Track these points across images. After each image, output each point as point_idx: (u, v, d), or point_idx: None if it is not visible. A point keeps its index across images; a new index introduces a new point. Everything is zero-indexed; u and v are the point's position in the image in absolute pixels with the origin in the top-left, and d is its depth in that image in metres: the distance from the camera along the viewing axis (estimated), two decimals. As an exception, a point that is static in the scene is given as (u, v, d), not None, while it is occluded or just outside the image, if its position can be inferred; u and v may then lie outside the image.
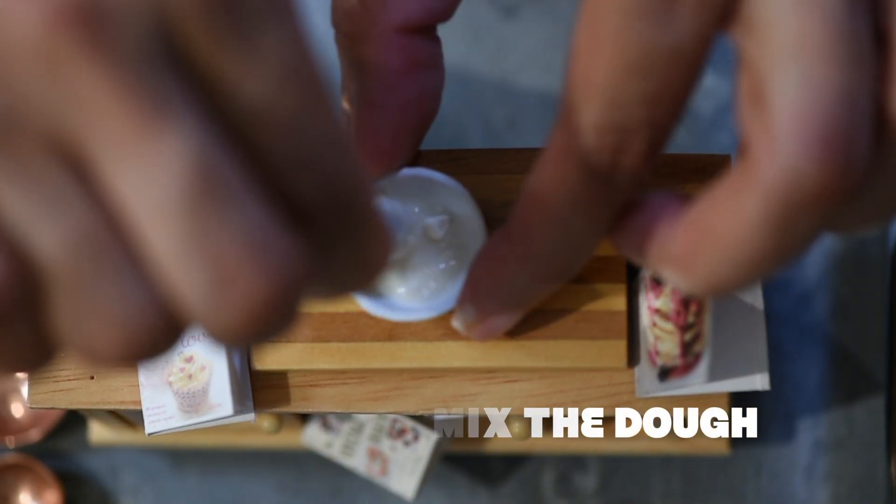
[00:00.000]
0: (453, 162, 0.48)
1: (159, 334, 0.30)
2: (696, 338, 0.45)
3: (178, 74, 0.29)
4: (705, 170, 0.47)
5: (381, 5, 0.45)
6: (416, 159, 0.48)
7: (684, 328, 0.45)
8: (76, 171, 0.29)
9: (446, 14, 0.46)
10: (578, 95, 0.36)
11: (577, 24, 0.36)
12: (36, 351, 0.31)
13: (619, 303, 0.46)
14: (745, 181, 0.35)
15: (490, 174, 0.48)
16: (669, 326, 0.45)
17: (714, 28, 0.35)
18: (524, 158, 0.48)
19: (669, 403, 0.47)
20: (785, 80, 0.34)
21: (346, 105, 0.46)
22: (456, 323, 0.45)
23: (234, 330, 0.30)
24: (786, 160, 0.34)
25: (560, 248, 0.41)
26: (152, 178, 0.29)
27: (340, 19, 0.46)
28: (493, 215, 0.47)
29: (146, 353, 0.31)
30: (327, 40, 0.46)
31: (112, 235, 0.30)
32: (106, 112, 0.29)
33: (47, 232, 0.29)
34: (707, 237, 0.36)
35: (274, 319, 0.30)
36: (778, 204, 0.34)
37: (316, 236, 0.32)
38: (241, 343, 0.31)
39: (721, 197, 0.36)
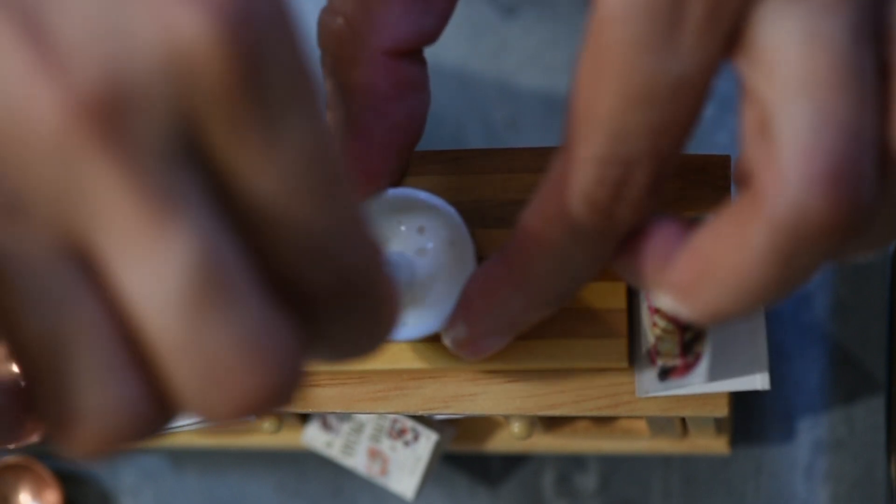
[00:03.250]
0: (453, 162, 0.48)
1: (148, 422, 0.31)
2: (697, 337, 0.45)
3: (193, 168, 0.29)
4: (705, 170, 0.47)
5: (370, 28, 0.45)
6: (402, 178, 0.48)
7: (684, 328, 0.45)
8: (79, 259, 0.29)
9: (435, 35, 0.46)
10: (581, 127, 0.36)
11: (579, 55, 0.36)
12: (24, 427, 0.31)
13: (619, 301, 0.46)
14: (751, 213, 0.35)
15: (490, 174, 0.48)
16: (669, 326, 0.45)
17: (719, 58, 0.35)
18: (524, 158, 0.48)
19: (669, 403, 0.47)
20: (792, 114, 0.34)
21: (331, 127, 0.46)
22: (446, 340, 0.45)
23: (223, 420, 0.31)
24: (793, 195, 0.34)
25: (557, 279, 0.40)
26: (155, 276, 0.29)
27: (327, 41, 0.45)
28: (493, 215, 0.47)
29: (132, 440, 0.31)
30: (313, 62, 0.46)
31: (108, 324, 0.30)
32: (114, 207, 0.29)
33: (37, 318, 0.29)
34: (710, 266, 0.36)
35: (264, 410, 0.31)
36: (784, 238, 0.34)
37: (322, 315, 0.32)
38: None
39: (725, 227, 0.36)
